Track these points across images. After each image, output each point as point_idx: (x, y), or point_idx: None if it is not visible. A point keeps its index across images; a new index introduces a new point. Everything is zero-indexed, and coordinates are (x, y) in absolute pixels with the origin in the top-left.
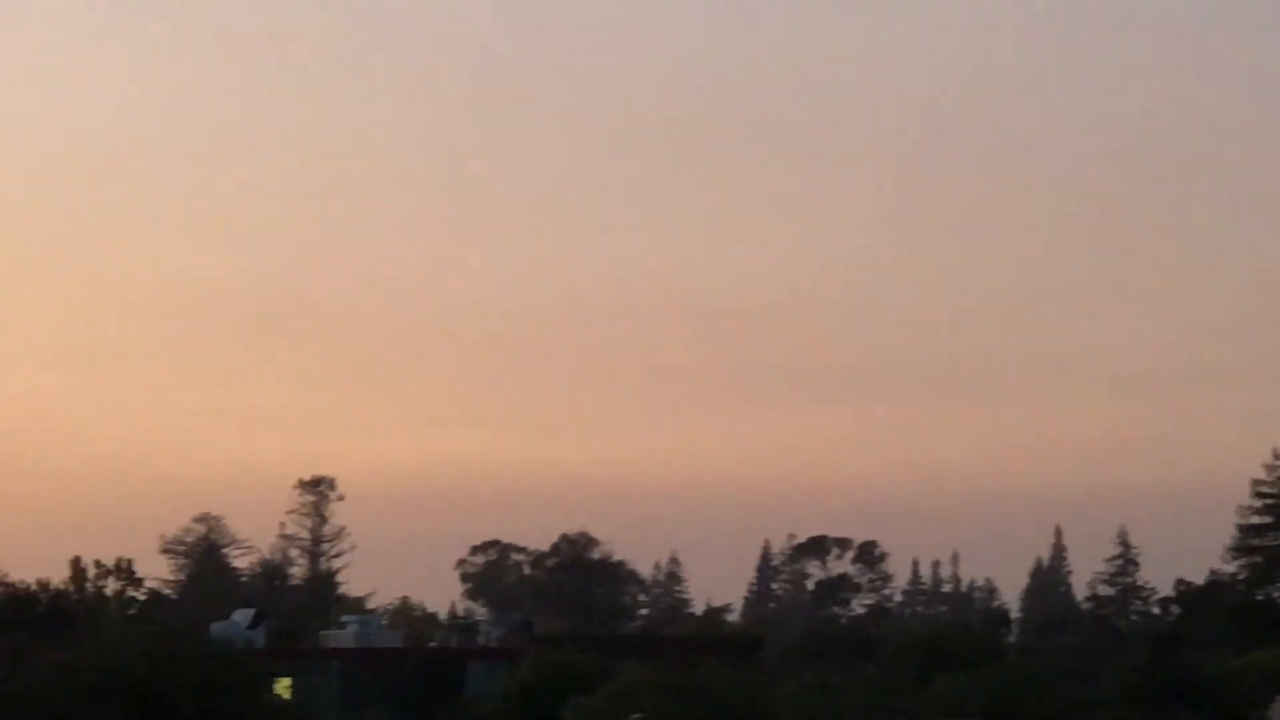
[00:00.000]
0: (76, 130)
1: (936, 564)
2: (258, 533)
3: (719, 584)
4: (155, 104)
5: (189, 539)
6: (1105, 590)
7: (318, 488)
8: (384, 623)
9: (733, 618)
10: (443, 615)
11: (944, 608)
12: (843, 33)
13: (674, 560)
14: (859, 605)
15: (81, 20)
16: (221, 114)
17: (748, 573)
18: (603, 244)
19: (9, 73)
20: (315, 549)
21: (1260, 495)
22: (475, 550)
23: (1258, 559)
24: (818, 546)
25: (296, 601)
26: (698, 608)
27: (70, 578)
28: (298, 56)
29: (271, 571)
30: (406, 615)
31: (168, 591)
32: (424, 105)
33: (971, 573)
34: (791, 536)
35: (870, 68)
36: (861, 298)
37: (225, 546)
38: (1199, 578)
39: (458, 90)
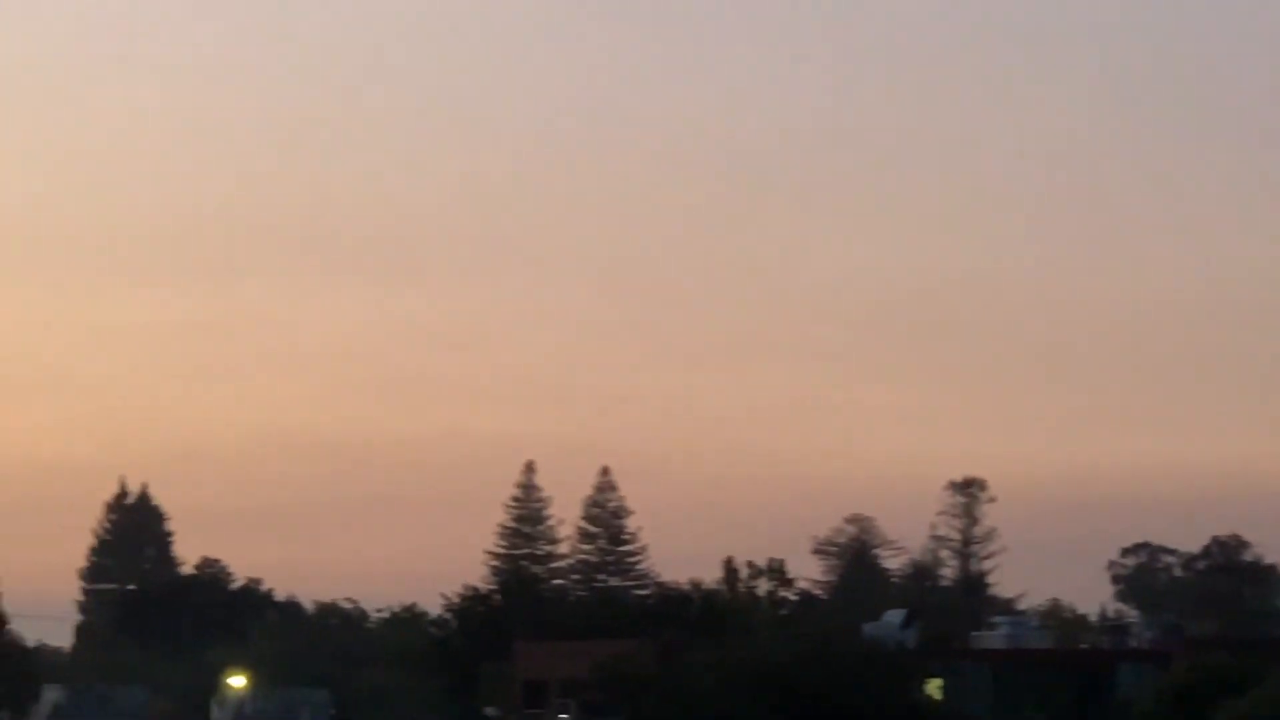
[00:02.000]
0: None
1: None
2: (908, 533)
3: None
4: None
5: (840, 540)
6: None
7: (969, 489)
8: (1035, 624)
9: None
10: (1093, 617)
11: None
12: None
13: None
14: None
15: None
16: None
17: None
18: (1232, 238)
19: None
20: (965, 550)
21: None
22: (1125, 552)
23: None
24: None
25: (946, 602)
26: None
27: (723, 578)
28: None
29: (922, 572)
30: (1057, 616)
31: (818, 592)
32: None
33: None
34: None
35: None
36: None
37: (876, 547)
38: None
39: (1066, 86)
